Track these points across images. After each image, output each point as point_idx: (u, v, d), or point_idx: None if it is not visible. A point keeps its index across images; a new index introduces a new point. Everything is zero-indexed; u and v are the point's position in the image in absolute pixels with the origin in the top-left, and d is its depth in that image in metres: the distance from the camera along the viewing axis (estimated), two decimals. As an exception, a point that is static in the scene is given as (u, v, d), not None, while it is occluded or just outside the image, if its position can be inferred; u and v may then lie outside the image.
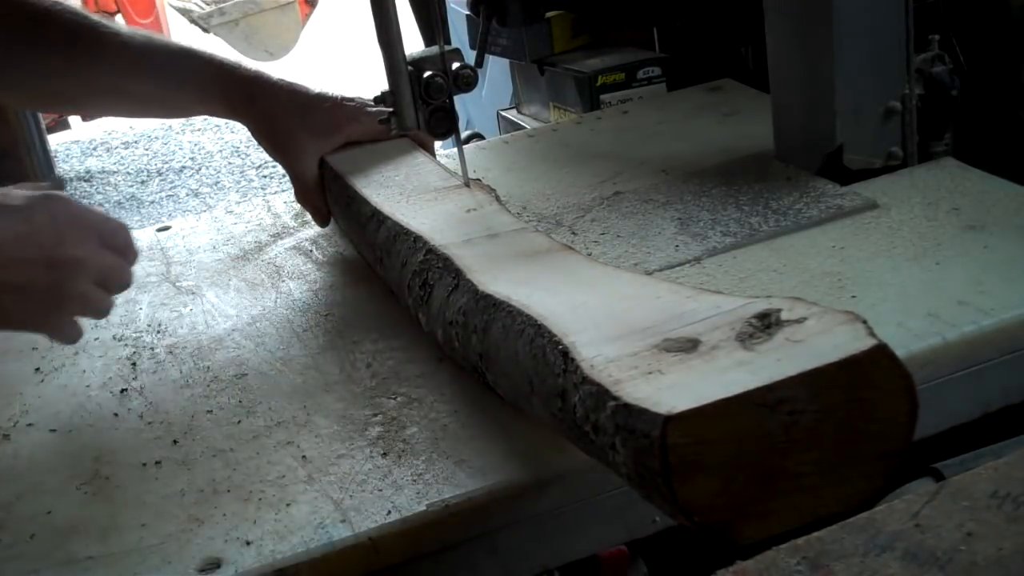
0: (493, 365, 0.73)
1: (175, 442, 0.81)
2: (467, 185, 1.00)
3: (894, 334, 0.80)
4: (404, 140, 1.13)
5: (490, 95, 2.51)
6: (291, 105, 1.12)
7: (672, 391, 0.50)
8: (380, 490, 0.72)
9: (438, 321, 0.81)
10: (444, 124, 1.01)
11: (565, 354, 0.59)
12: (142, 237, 1.23)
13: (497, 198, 0.98)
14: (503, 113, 2.20)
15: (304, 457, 0.77)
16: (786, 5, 1.06)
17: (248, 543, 0.69)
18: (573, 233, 1.03)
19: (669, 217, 1.04)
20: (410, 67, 0.99)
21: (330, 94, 1.14)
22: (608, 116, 1.41)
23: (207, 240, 1.19)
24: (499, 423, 0.77)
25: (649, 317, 0.59)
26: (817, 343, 0.50)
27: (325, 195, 1.11)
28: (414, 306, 0.87)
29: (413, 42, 1.09)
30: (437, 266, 0.83)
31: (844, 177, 1.05)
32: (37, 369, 0.95)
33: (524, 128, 1.81)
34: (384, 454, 0.76)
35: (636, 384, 0.52)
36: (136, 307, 1.04)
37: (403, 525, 0.69)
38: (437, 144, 1.18)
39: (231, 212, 1.29)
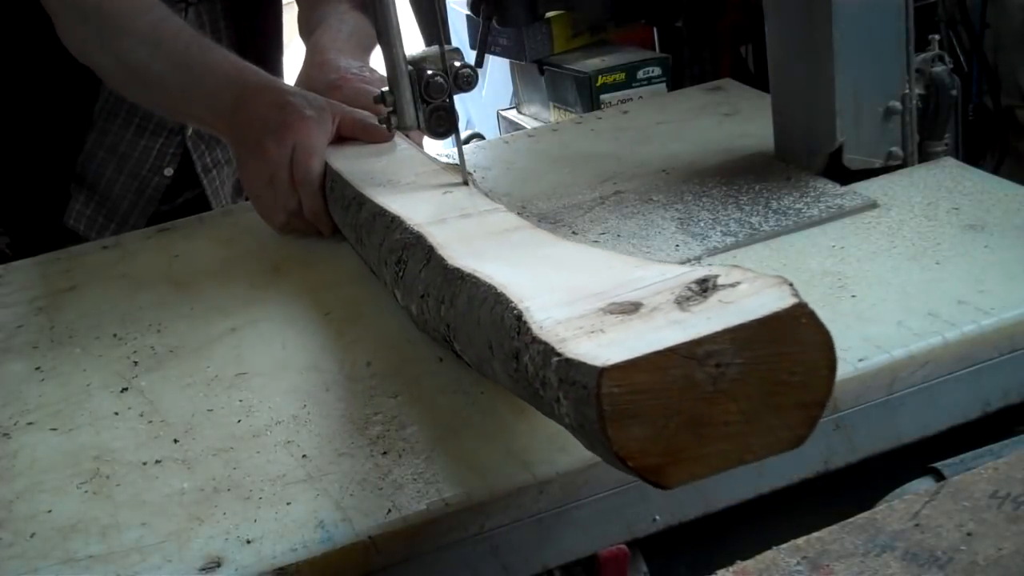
0: (459, 334, 0.77)
1: (175, 441, 0.81)
2: (466, 183, 1.00)
3: (894, 333, 0.80)
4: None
5: (490, 95, 2.51)
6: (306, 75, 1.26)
7: (609, 347, 0.53)
8: (380, 489, 0.72)
9: (412, 295, 0.86)
10: (444, 124, 1.01)
11: (519, 317, 0.62)
12: (142, 236, 1.24)
13: (473, 182, 1.01)
14: (503, 113, 2.20)
15: (304, 456, 0.77)
16: (786, 5, 1.06)
17: (248, 542, 0.69)
18: (573, 232, 1.04)
19: (669, 217, 1.04)
20: (410, 67, 0.99)
21: (342, 76, 1.24)
22: (608, 116, 1.41)
23: (207, 239, 1.19)
24: (499, 422, 0.77)
25: (599, 284, 0.63)
26: (745, 303, 0.53)
27: None
28: (391, 282, 0.91)
29: (413, 42, 1.10)
30: (411, 244, 0.87)
31: (844, 177, 1.05)
32: (37, 368, 0.95)
33: (524, 128, 1.81)
34: (384, 453, 0.76)
35: (579, 342, 0.55)
36: (136, 306, 1.04)
37: (403, 524, 0.69)
38: (437, 144, 1.18)
39: (231, 212, 1.29)
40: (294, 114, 1.11)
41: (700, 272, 0.58)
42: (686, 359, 0.51)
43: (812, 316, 0.53)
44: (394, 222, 0.92)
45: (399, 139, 1.16)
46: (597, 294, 0.62)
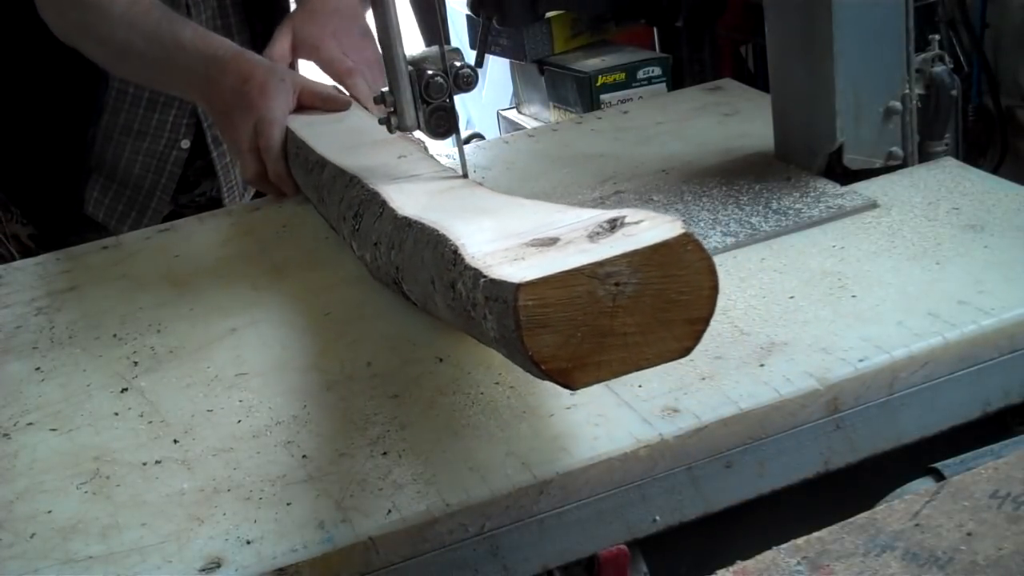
0: (407, 274, 0.86)
1: (175, 441, 0.81)
2: (465, 176, 1.01)
3: (894, 333, 0.80)
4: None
5: (490, 95, 2.51)
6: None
7: (527, 269, 0.62)
8: (380, 489, 0.72)
9: (366, 245, 0.96)
10: (444, 124, 1.01)
11: (455, 252, 0.71)
12: (142, 236, 1.24)
13: (425, 149, 1.11)
14: (503, 113, 2.20)
15: (304, 456, 0.77)
16: (786, 5, 1.06)
17: (248, 542, 0.69)
18: (573, 233, 1.03)
19: (669, 217, 1.04)
20: (410, 67, 0.99)
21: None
22: (608, 116, 1.41)
23: (207, 240, 1.20)
24: (499, 422, 0.77)
25: (525, 225, 0.72)
26: (643, 235, 0.62)
27: None
28: (348, 235, 1.02)
29: (413, 42, 1.10)
30: (367, 199, 0.97)
31: (844, 177, 1.05)
32: (37, 368, 0.95)
33: (524, 128, 1.81)
34: (384, 453, 0.76)
35: (502, 267, 0.65)
36: (136, 306, 1.04)
37: (403, 525, 0.69)
38: (438, 143, 1.19)
39: (231, 213, 1.29)
40: (256, 87, 1.20)
41: (612, 214, 0.66)
42: (590, 278, 0.60)
43: (697, 244, 0.61)
44: (352, 181, 1.02)
45: (356, 108, 1.25)
46: (522, 232, 0.70)
